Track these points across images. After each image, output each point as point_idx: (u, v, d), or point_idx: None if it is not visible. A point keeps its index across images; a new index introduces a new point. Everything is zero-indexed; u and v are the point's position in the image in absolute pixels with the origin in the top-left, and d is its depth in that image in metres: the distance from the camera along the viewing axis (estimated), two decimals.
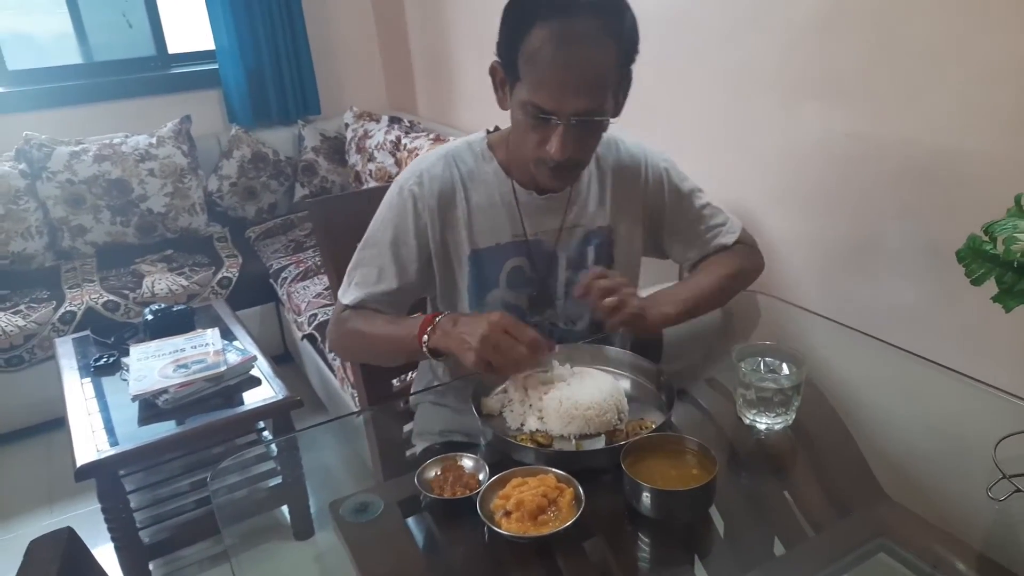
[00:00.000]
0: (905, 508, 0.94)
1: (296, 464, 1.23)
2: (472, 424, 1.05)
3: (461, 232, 1.23)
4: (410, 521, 0.96)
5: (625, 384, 1.14)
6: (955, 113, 1.33)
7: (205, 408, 1.88)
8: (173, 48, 3.39)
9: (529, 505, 0.84)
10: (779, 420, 1.03)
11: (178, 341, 2.06)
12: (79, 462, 1.69)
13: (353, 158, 3.31)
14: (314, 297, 2.59)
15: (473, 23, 2.88)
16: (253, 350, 2.09)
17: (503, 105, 1.15)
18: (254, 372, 2.00)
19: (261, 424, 2.08)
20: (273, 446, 1.61)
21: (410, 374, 1.62)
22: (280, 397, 1.91)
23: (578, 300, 1.16)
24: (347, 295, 1.24)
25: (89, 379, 2.07)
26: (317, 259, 2.85)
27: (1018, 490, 0.86)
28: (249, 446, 2.02)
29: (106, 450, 1.74)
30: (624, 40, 1.05)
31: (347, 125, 3.40)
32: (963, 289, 0.91)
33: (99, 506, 1.78)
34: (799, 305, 1.50)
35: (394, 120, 3.16)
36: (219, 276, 2.86)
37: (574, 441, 1.00)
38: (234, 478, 1.07)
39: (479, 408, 1.06)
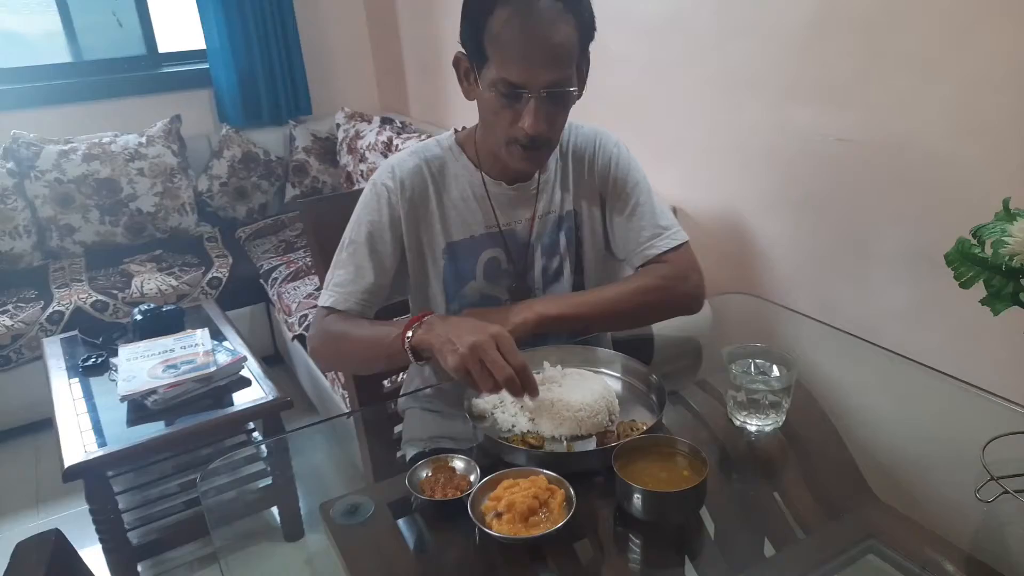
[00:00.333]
0: (894, 510, 0.95)
1: (286, 465, 1.22)
2: (462, 430, 1.04)
3: (435, 226, 1.24)
4: (401, 523, 0.96)
5: (616, 386, 1.14)
6: (945, 118, 1.35)
7: (194, 409, 1.86)
8: (163, 47, 3.37)
9: (520, 507, 0.84)
10: (769, 422, 1.04)
11: (167, 341, 2.05)
12: (67, 463, 1.68)
13: (344, 159, 3.30)
14: (305, 298, 2.58)
15: None
16: (243, 351, 2.08)
17: (469, 95, 1.16)
18: (244, 373, 2.00)
19: (251, 425, 2.07)
20: (263, 447, 1.61)
21: (401, 375, 1.62)
22: (270, 398, 1.90)
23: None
24: (326, 298, 1.23)
25: (77, 379, 2.05)
26: (308, 260, 2.84)
27: (1006, 492, 0.87)
28: (239, 447, 2.03)
29: (94, 451, 1.72)
30: (583, 17, 1.08)
31: (338, 126, 3.39)
32: (952, 292, 0.92)
33: (87, 507, 1.77)
34: (790, 308, 1.51)
35: (386, 121, 3.15)
36: (209, 276, 2.84)
37: (565, 442, 1.00)
38: (224, 479, 1.06)
39: (470, 409, 1.06)
